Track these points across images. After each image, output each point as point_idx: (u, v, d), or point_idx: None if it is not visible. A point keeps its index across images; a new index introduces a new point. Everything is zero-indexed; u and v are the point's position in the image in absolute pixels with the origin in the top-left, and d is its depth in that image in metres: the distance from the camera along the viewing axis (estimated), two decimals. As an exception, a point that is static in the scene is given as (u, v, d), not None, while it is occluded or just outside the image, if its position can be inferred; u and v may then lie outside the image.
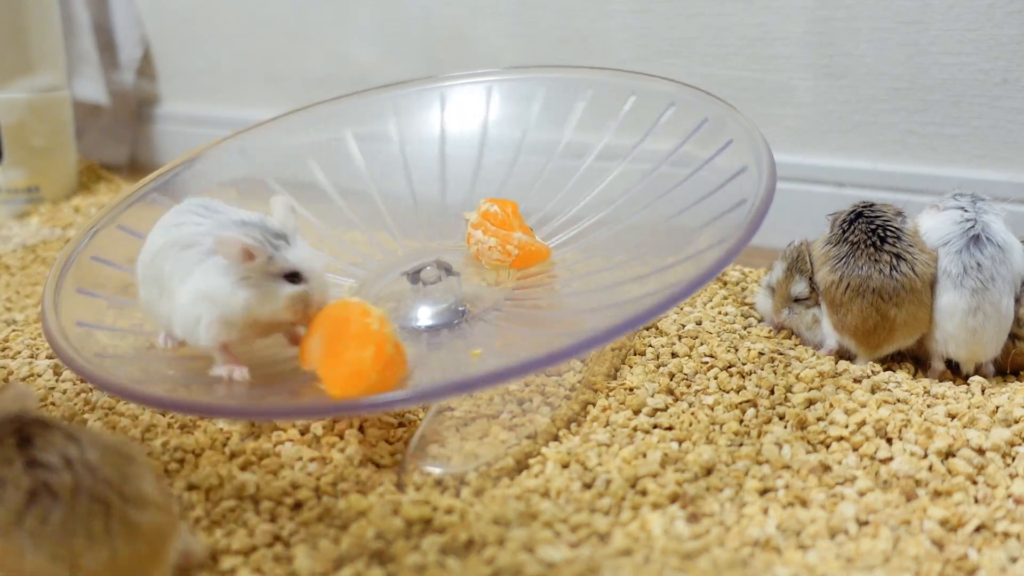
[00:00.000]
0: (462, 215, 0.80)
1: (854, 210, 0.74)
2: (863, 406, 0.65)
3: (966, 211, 0.72)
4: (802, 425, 0.63)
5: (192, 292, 0.60)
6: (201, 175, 0.81)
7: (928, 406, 0.65)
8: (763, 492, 0.57)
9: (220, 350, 0.61)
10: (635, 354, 0.73)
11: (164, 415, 0.65)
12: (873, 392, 0.67)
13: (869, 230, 0.72)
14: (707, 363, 0.71)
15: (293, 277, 0.60)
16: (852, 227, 0.73)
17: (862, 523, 0.54)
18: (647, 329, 0.76)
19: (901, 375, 0.70)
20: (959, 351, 0.71)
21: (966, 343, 0.70)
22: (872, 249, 0.71)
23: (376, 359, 0.56)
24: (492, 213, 0.73)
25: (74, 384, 0.70)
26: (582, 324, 0.66)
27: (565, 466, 0.59)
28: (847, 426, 0.62)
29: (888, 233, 0.71)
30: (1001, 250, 0.70)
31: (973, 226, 0.71)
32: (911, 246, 0.71)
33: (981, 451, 0.59)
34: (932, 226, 0.73)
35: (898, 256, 0.70)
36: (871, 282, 0.70)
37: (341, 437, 0.62)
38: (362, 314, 0.58)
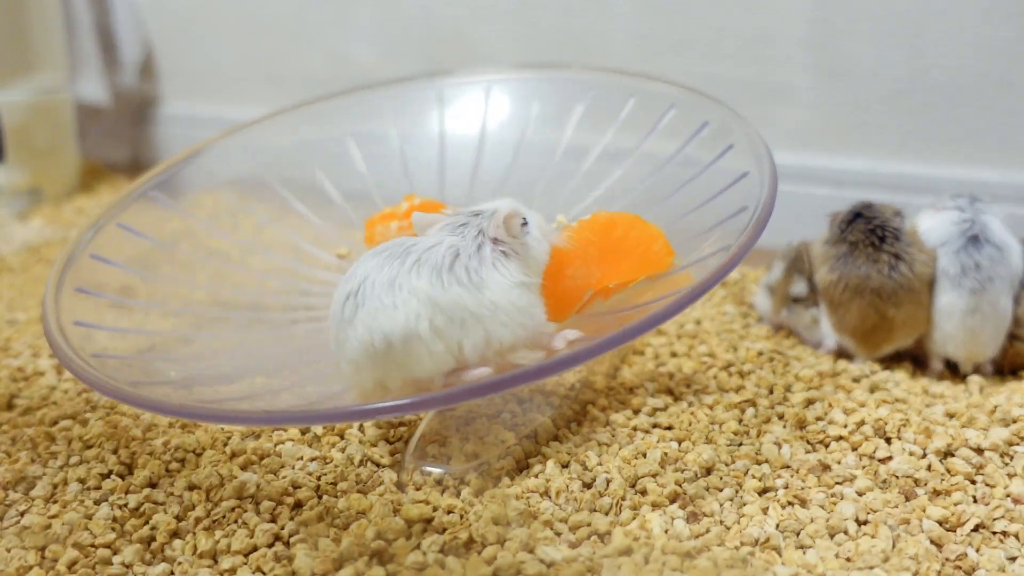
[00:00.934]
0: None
1: (853, 210, 0.74)
2: (862, 406, 0.65)
3: (964, 212, 0.72)
4: (801, 425, 0.63)
5: (502, 289, 0.57)
6: (201, 172, 0.81)
7: (927, 405, 0.66)
8: (763, 492, 0.57)
9: (546, 331, 0.59)
10: (635, 354, 0.73)
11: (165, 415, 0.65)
12: (872, 392, 0.68)
13: (868, 230, 0.72)
14: (706, 363, 0.71)
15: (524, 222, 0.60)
16: (851, 227, 0.73)
17: (861, 522, 0.54)
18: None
19: (900, 375, 0.71)
20: (958, 351, 0.71)
21: (964, 343, 0.70)
22: (871, 249, 0.71)
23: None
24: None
25: (76, 384, 0.70)
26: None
27: (565, 466, 0.59)
28: (846, 426, 0.63)
29: (887, 233, 0.71)
30: (999, 250, 0.70)
31: (971, 226, 0.71)
32: (910, 246, 0.71)
33: (980, 450, 0.59)
34: (930, 226, 0.73)
35: (897, 256, 0.71)
36: (870, 282, 0.71)
37: (341, 437, 0.62)
38: (612, 213, 0.62)
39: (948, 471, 0.58)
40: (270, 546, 0.52)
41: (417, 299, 0.56)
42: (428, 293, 0.56)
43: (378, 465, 0.60)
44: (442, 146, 0.86)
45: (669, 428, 0.63)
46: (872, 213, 0.73)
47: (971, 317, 0.70)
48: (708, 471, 0.58)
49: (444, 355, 0.56)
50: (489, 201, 0.62)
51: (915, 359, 0.74)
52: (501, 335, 0.57)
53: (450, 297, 0.56)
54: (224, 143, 0.83)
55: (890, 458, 0.59)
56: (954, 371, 0.73)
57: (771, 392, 0.67)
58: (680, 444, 0.61)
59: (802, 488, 0.57)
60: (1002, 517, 0.54)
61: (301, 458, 0.60)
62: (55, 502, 0.57)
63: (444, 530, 0.52)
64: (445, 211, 0.67)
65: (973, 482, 0.57)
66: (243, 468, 0.59)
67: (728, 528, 0.53)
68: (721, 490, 0.57)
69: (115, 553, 0.52)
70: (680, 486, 0.56)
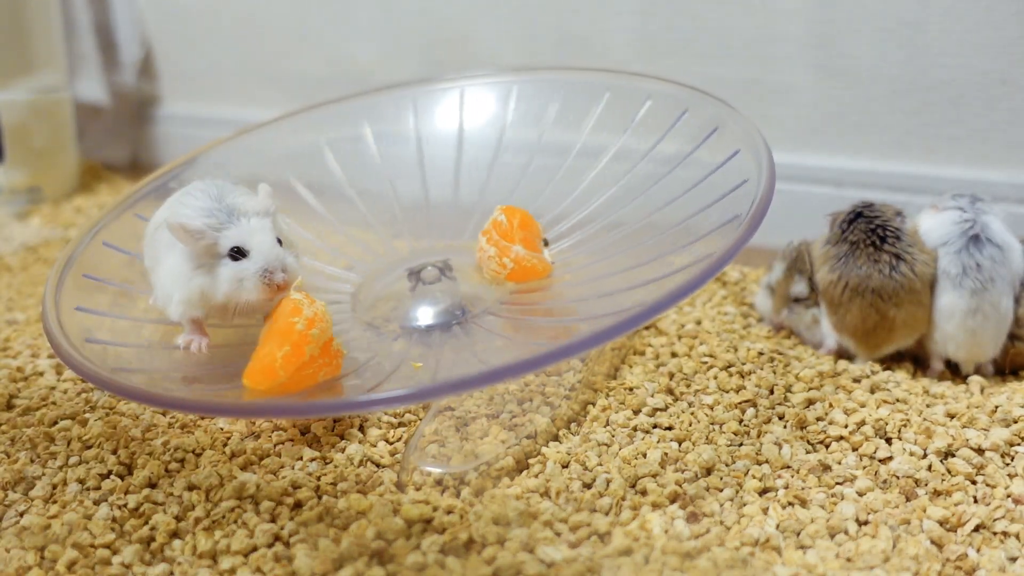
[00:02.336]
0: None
1: (853, 210, 0.74)
2: (862, 406, 0.65)
3: (965, 211, 0.72)
4: (802, 425, 0.63)
5: (166, 270, 0.63)
6: (207, 174, 0.81)
7: (927, 406, 0.66)
8: (763, 492, 0.57)
9: (188, 321, 0.64)
10: (635, 354, 0.73)
11: (165, 415, 0.65)
12: (872, 392, 0.68)
13: (868, 230, 0.72)
14: (707, 363, 0.71)
15: (236, 255, 0.61)
16: (851, 227, 0.73)
17: (862, 523, 0.54)
18: (647, 329, 0.77)
19: (900, 375, 0.71)
20: (958, 352, 0.71)
21: (965, 344, 0.70)
22: (872, 249, 0.71)
23: (288, 359, 0.57)
24: (499, 223, 0.73)
25: (75, 384, 0.70)
26: (580, 322, 0.66)
27: (565, 466, 0.59)
28: (847, 426, 0.63)
29: (888, 233, 0.71)
30: (1000, 250, 0.70)
31: (972, 226, 0.71)
32: (910, 246, 0.71)
33: (980, 451, 0.59)
34: (931, 226, 0.73)
35: (897, 256, 0.71)
36: (870, 282, 0.71)
37: (341, 437, 0.62)
38: (291, 312, 0.59)
39: (949, 471, 0.58)
40: (270, 546, 0.52)
41: (153, 221, 0.67)
42: (154, 222, 0.66)
43: (378, 465, 0.60)
44: (460, 145, 0.85)
45: (669, 428, 0.63)
46: (873, 213, 0.73)
47: (972, 318, 0.70)
48: (708, 471, 0.58)
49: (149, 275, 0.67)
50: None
51: (915, 359, 0.74)
52: (158, 296, 0.65)
53: (158, 238, 0.64)
54: (230, 144, 0.84)
55: (890, 458, 0.59)
56: (955, 371, 0.73)
57: (771, 392, 0.67)
58: (680, 444, 0.61)
59: (802, 488, 0.57)
60: (1003, 517, 0.54)
61: (301, 458, 0.60)
62: (54, 502, 0.56)
63: (444, 530, 0.52)
64: None
65: (974, 482, 0.57)
66: (243, 468, 0.59)
67: (728, 528, 0.53)
68: (721, 490, 0.56)
69: (115, 553, 0.52)
70: (680, 486, 0.56)
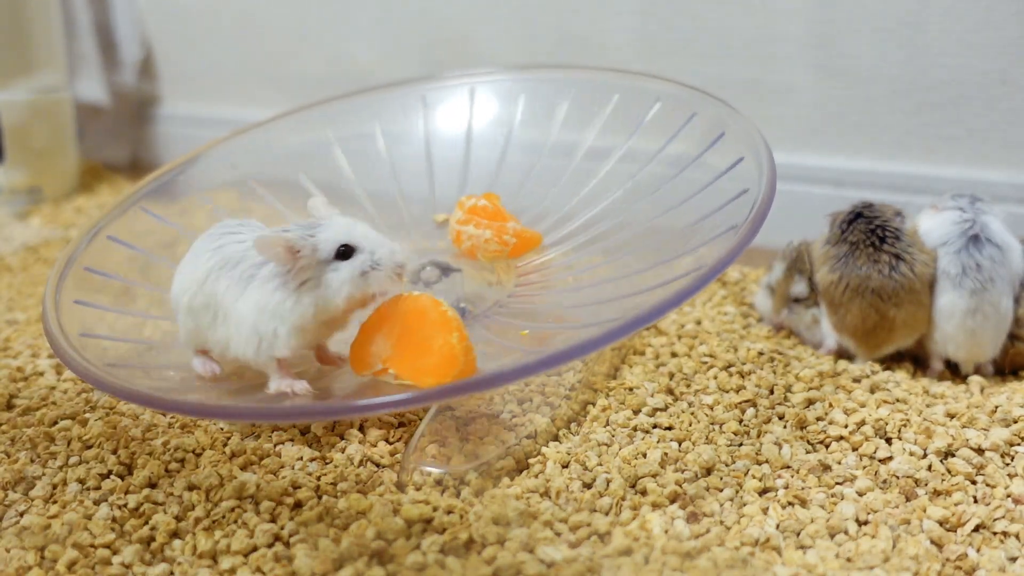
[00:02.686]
0: (432, 218, 0.80)
1: (853, 210, 0.74)
2: (862, 406, 0.65)
3: (964, 211, 0.72)
4: (802, 425, 0.63)
5: (254, 308, 0.58)
6: (202, 175, 0.81)
7: (927, 406, 0.66)
8: (763, 492, 0.57)
9: (277, 366, 0.60)
10: (635, 354, 0.73)
11: (165, 415, 0.65)
12: (872, 392, 0.68)
13: (868, 230, 0.72)
14: (707, 363, 0.71)
15: (346, 253, 0.58)
16: (851, 227, 0.73)
17: (862, 523, 0.54)
18: (646, 329, 0.77)
19: (900, 375, 0.71)
20: (958, 352, 0.71)
21: (965, 344, 0.70)
22: (871, 249, 0.71)
23: (462, 343, 0.57)
24: (481, 207, 0.74)
25: (75, 384, 0.70)
26: (583, 325, 0.66)
27: (565, 466, 0.59)
28: (846, 426, 0.63)
29: (887, 233, 0.71)
30: (1000, 250, 0.70)
31: (972, 226, 0.71)
32: (910, 246, 0.71)
33: (980, 451, 0.59)
34: (931, 226, 0.73)
35: (897, 256, 0.71)
36: (870, 282, 0.71)
37: (341, 437, 0.62)
38: (436, 303, 0.59)
39: (949, 471, 0.58)
40: (270, 546, 0.52)
41: (192, 274, 0.61)
42: (199, 274, 0.61)
43: (378, 465, 0.60)
44: (468, 144, 0.85)
45: (669, 428, 0.63)
46: (873, 213, 0.73)
47: (972, 318, 0.70)
48: (708, 471, 0.58)
49: (194, 334, 0.62)
50: (338, 217, 0.60)
51: (915, 359, 0.74)
52: (235, 347, 0.60)
53: (216, 287, 0.60)
54: (222, 147, 0.84)
55: (890, 458, 0.59)
56: (955, 371, 0.73)
57: (771, 392, 0.67)
58: (680, 444, 0.61)
59: (802, 488, 0.57)
60: (1003, 517, 0.54)
61: (301, 458, 0.60)
62: (54, 502, 0.56)
63: (444, 530, 0.52)
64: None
65: (974, 482, 0.57)
66: (243, 468, 0.59)
67: (728, 528, 0.53)
68: (721, 490, 0.56)
69: (115, 553, 0.52)
70: (680, 486, 0.56)
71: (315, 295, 0.58)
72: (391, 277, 0.59)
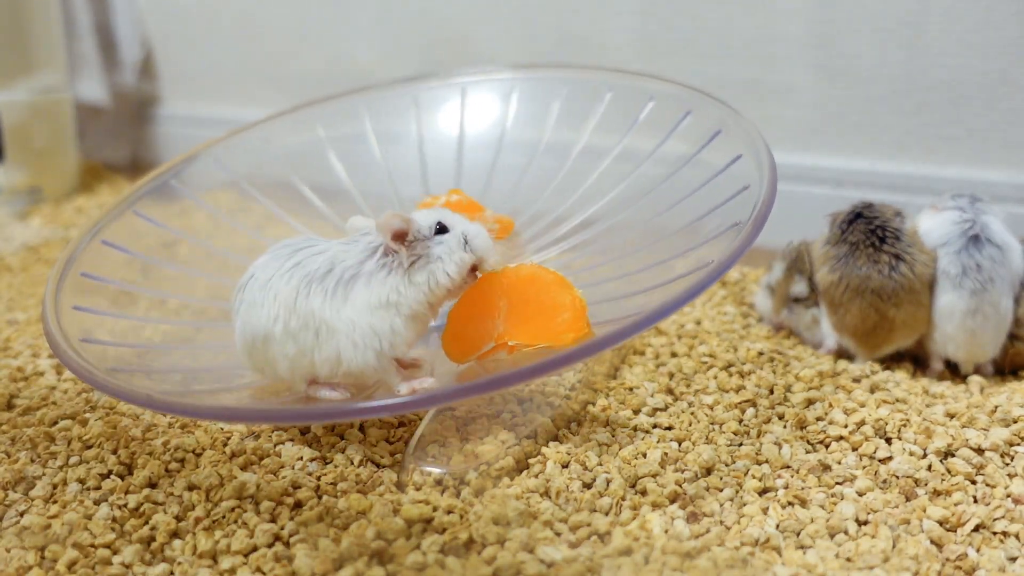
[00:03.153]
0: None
1: (853, 210, 0.74)
2: (862, 406, 0.65)
3: (965, 212, 0.72)
4: (801, 425, 0.63)
5: (365, 308, 0.58)
6: (211, 169, 0.81)
7: (927, 406, 0.66)
8: (763, 492, 0.57)
9: (394, 367, 0.60)
10: (635, 354, 0.73)
11: (165, 415, 0.65)
12: (872, 392, 0.68)
13: (868, 230, 0.72)
14: (707, 363, 0.71)
15: (443, 229, 0.59)
16: (851, 227, 0.73)
17: (861, 523, 0.54)
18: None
19: (900, 375, 0.71)
20: (958, 352, 0.71)
21: (965, 344, 0.70)
22: (871, 249, 0.71)
23: (583, 302, 0.58)
24: (455, 202, 0.74)
25: (75, 384, 0.70)
26: (597, 323, 0.66)
27: (565, 466, 0.59)
28: (846, 426, 0.63)
29: (887, 234, 0.71)
30: (1000, 250, 0.70)
31: (972, 227, 0.71)
32: (910, 246, 0.71)
33: (980, 451, 0.59)
34: (931, 227, 0.73)
35: (897, 256, 0.71)
36: (870, 282, 0.71)
37: (341, 437, 0.62)
38: (542, 268, 0.60)
39: (948, 471, 0.58)
40: (270, 546, 0.52)
41: (277, 301, 0.58)
42: (287, 297, 0.58)
43: (378, 465, 0.60)
44: (461, 145, 0.85)
45: (669, 428, 0.63)
46: (873, 213, 0.73)
47: (972, 318, 0.70)
48: (708, 471, 0.58)
49: (298, 360, 0.59)
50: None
51: (915, 359, 0.74)
52: (350, 356, 0.58)
53: (310, 305, 0.58)
54: (228, 142, 0.84)
55: (890, 458, 0.59)
56: (954, 371, 0.73)
57: (771, 392, 0.67)
58: (680, 444, 0.61)
59: (802, 488, 0.57)
60: (1002, 517, 0.54)
61: (301, 458, 0.60)
62: (55, 502, 0.56)
63: (444, 530, 0.52)
64: (487, 215, 0.69)
65: (973, 482, 0.57)
66: (243, 468, 0.59)
67: (728, 528, 0.53)
68: (721, 490, 0.56)
69: (115, 553, 0.52)
70: (680, 486, 0.56)
71: (427, 271, 0.59)
72: (491, 241, 0.60)
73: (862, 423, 0.62)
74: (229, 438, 0.62)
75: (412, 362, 0.63)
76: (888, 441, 0.61)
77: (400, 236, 0.59)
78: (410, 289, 0.58)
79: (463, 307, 0.60)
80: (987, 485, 0.57)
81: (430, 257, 0.59)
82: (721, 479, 0.57)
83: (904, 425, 0.62)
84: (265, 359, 0.60)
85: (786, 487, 0.57)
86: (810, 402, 0.66)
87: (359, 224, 0.62)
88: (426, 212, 0.61)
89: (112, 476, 0.58)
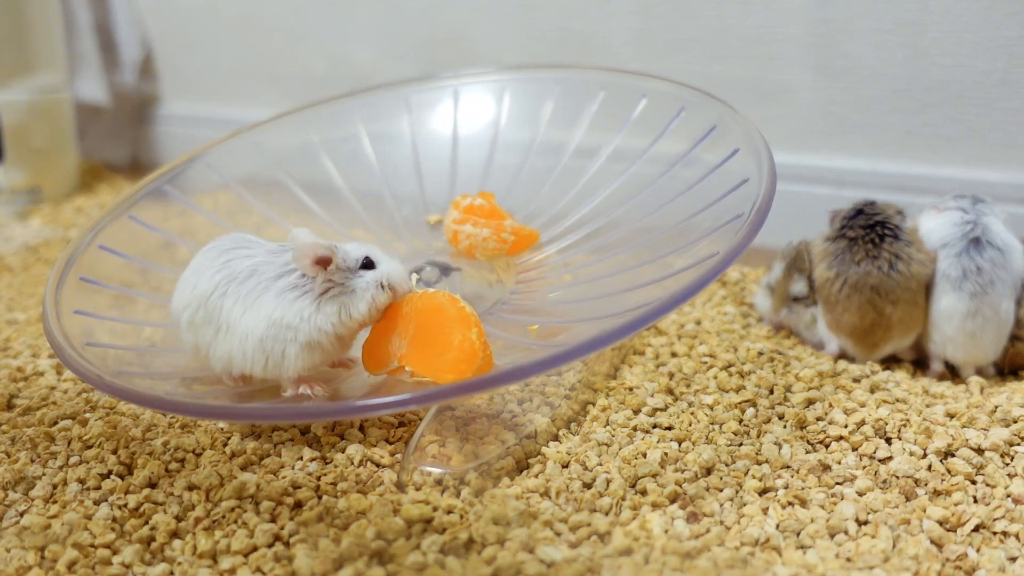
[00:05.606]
0: (425, 220, 0.81)
1: (855, 207, 0.74)
2: (862, 406, 0.65)
3: (966, 213, 0.72)
4: (801, 425, 0.63)
5: (267, 323, 0.58)
6: (208, 172, 0.81)
7: (927, 406, 0.66)
8: (763, 492, 0.57)
9: (287, 375, 0.60)
10: (635, 354, 0.73)
11: (165, 415, 0.65)
12: (872, 392, 0.68)
13: (867, 226, 0.72)
14: (706, 363, 0.71)
15: (368, 264, 0.60)
16: (851, 223, 0.73)
17: (862, 523, 0.54)
18: (646, 329, 0.77)
19: (900, 375, 0.71)
20: (957, 354, 0.71)
21: (964, 347, 0.70)
22: (870, 246, 0.71)
23: (481, 338, 0.57)
24: (477, 206, 0.74)
25: (75, 384, 0.70)
26: (582, 326, 0.66)
27: (565, 466, 0.59)
28: (846, 426, 0.63)
29: (887, 231, 0.71)
30: (1001, 253, 0.70)
31: (973, 228, 0.71)
32: (908, 245, 0.71)
33: (980, 451, 0.59)
34: (932, 227, 0.73)
35: (896, 255, 0.70)
36: (869, 279, 0.70)
37: (341, 437, 0.62)
38: (453, 300, 0.59)
39: (948, 471, 0.58)
40: (270, 546, 0.52)
41: (194, 292, 0.60)
42: (205, 291, 0.60)
43: (378, 465, 0.60)
44: (455, 145, 0.86)
45: (669, 428, 0.63)
46: (873, 210, 0.73)
47: (972, 321, 0.69)
48: (708, 471, 0.58)
49: (196, 352, 0.61)
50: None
51: (915, 359, 0.74)
52: (240, 363, 0.60)
53: (221, 304, 0.59)
54: (230, 143, 0.84)
55: (890, 458, 0.59)
56: (955, 372, 0.73)
57: (771, 392, 0.67)
58: (680, 444, 0.61)
59: (802, 488, 0.57)
60: (1002, 517, 0.54)
61: (301, 458, 0.60)
62: (55, 502, 0.56)
63: (444, 530, 0.52)
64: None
65: (973, 482, 0.57)
66: (243, 468, 0.59)
67: (728, 528, 0.53)
68: (721, 490, 0.56)
69: (115, 553, 0.52)
70: (680, 486, 0.56)
71: (339, 303, 0.59)
72: (407, 285, 0.61)
73: (862, 423, 0.62)
74: (229, 438, 0.62)
75: (342, 363, 0.64)
76: (888, 441, 0.61)
77: (324, 263, 0.59)
78: (316, 316, 0.58)
79: (383, 322, 0.60)
80: (987, 485, 0.57)
81: (345, 289, 0.59)
82: (721, 479, 0.57)
83: (904, 425, 0.62)
84: (176, 338, 0.63)
85: (786, 487, 0.57)
86: (810, 402, 0.66)
87: (302, 238, 0.61)
88: (358, 245, 0.61)
89: (112, 476, 0.58)
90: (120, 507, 0.55)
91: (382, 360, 0.60)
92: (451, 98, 0.88)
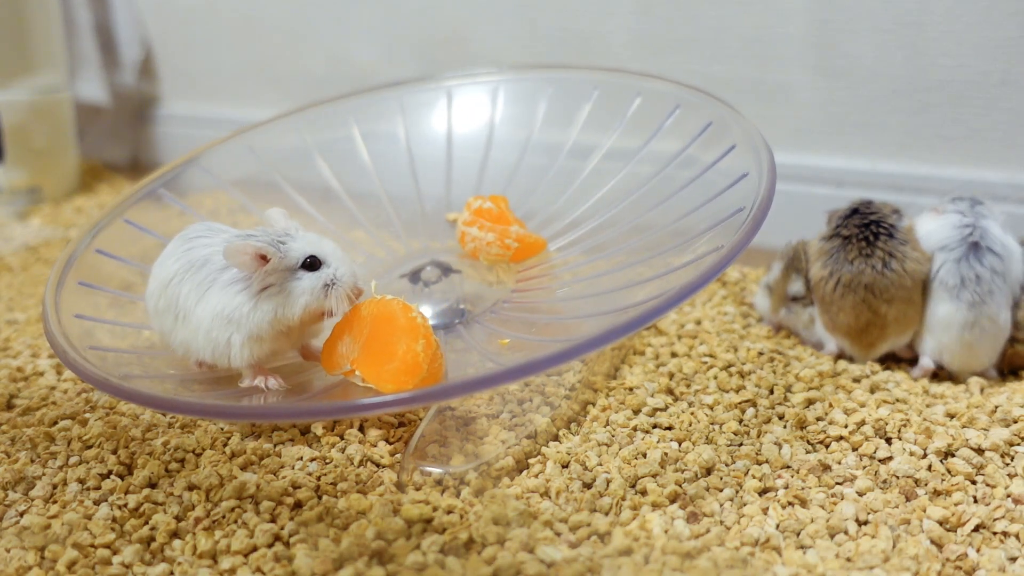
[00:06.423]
0: (444, 216, 0.81)
1: (852, 206, 0.74)
2: (862, 406, 0.65)
3: (965, 216, 0.72)
4: (801, 425, 0.63)
5: (212, 315, 0.59)
6: (206, 173, 0.81)
7: (927, 406, 0.66)
8: (763, 492, 0.57)
9: (250, 366, 0.61)
10: (635, 354, 0.73)
11: (165, 415, 0.65)
12: (872, 392, 0.68)
13: (862, 225, 0.72)
14: (707, 363, 0.71)
15: (312, 265, 0.59)
16: (846, 222, 0.73)
17: (862, 523, 0.54)
18: (646, 329, 0.77)
19: (900, 375, 0.71)
20: (953, 362, 0.70)
21: (960, 355, 0.70)
22: (864, 244, 0.71)
23: (427, 351, 0.57)
24: (486, 210, 0.74)
25: (75, 384, 0.70)
26: (581, 326, 0.66)
27: (565, 466, 0.59)
28: (846, 426, 0.63)
29: (881, 230, 0.71)
30: (1000, 259, 0.70)
31: (972, 232, 0.71)
32: (903, 244, 0.71)
33: (980, 451, 0.59)
34: (931, 230, 0.72)
35: (890, 253, 0.70)
36: (863, 277, 0.70)
37: (341, 437, 0.62)
38: (405, 309, 0.59)
39: (948, 471, 0.58)
40: (270, 546, 0.52)
41: (157, 280, 0.62)
42: (165, 278, 0.61)
43: (378, 465, 0.60)
44: (449, 146, 0.86)
45: (669, 428, 0.63)
46: (869, 210, 0.73)
47: (969, 331, 0.69)
48: (708, 471, 0.58)
49: (163, 339, 0.63)
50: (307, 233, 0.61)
51: (914, 360, 0.74)
52: (195, 350, 0.61)
53: (178, 291, 0.60)
54: (228, 144, 0.84)
55: (890, 458, 0.59)
56: (949, 372, 0.73)
57: (771, 392, 0.67)
58: (680, 444, 0.61)
59: (802, 488, 0.57)
60: (1003, 517, 0.54)
61: (301, 458, 0.60)
62: (54, 502, 0.56)
63: (444, 530, 0.52)
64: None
65: (973, 482, 0.57)
66: (243, 468, 0.59)
67: (728, 528, 0.53)
68: (721, 490, 0.56)
69: (115, 553, 0.52)
70: (680, 486, 0.56)
71: (275, 302, 0.59)
72: (348, 297, 0.59)
73: (862, 423, 0.62)
74: (229, 438, 0.62)
75: (313, 356, 0.64)
76: (888, 441, 0.61)
77: (263, 258, 0.58)
78: (254, 313, 0.59)
79: (342, 323, 0.60)
80: (987, 485, 0.57)
81: (281, 289, 0.59)
82: (721, 479, 0.57)
83: (904, 425, 0.62)
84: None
85: (786, 487, 0.57)
86: (810, 402, 0.66)
87: (274, 217, 0.62)
88: (307, 241, 0.60)
89: (112, 476, 0.58)
90: (120, 507, 0.55)
91: (337, 362, 0.60)
92: (445, 99, 0.88)
